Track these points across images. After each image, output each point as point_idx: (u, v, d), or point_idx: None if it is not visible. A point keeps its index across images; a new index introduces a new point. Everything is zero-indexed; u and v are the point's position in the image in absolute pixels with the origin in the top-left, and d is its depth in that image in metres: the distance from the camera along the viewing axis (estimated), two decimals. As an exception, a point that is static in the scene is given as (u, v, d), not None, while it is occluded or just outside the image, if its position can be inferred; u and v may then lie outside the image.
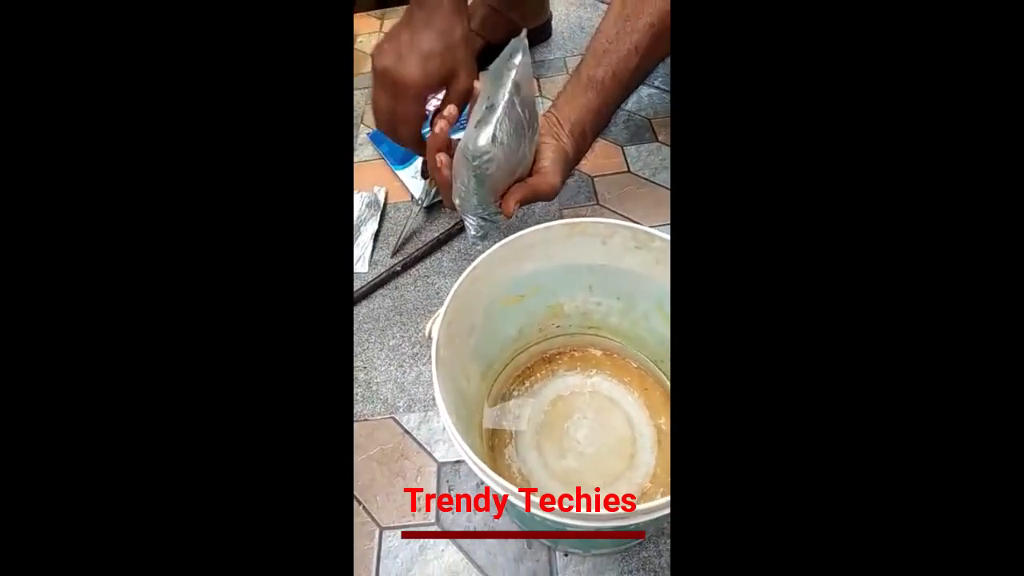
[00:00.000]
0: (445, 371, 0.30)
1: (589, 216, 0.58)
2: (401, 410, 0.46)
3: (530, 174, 0.46)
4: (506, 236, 0.35)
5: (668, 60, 0.73)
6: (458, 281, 0.33)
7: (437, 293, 0.53)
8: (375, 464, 0.44)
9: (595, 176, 0.61)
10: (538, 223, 0.36)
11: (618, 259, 0.36)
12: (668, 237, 0.33)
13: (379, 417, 0.46)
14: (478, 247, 0.48)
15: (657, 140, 0.64)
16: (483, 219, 0.45)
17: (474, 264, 0.33)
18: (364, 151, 0.69)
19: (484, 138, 0.38)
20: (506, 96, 0.38)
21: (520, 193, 0.44)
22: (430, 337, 0.31)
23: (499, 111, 0.38)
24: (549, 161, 0.45)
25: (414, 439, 0.45)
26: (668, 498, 0.25)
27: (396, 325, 0.51)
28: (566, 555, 0.38)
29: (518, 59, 0.39)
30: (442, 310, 0.31)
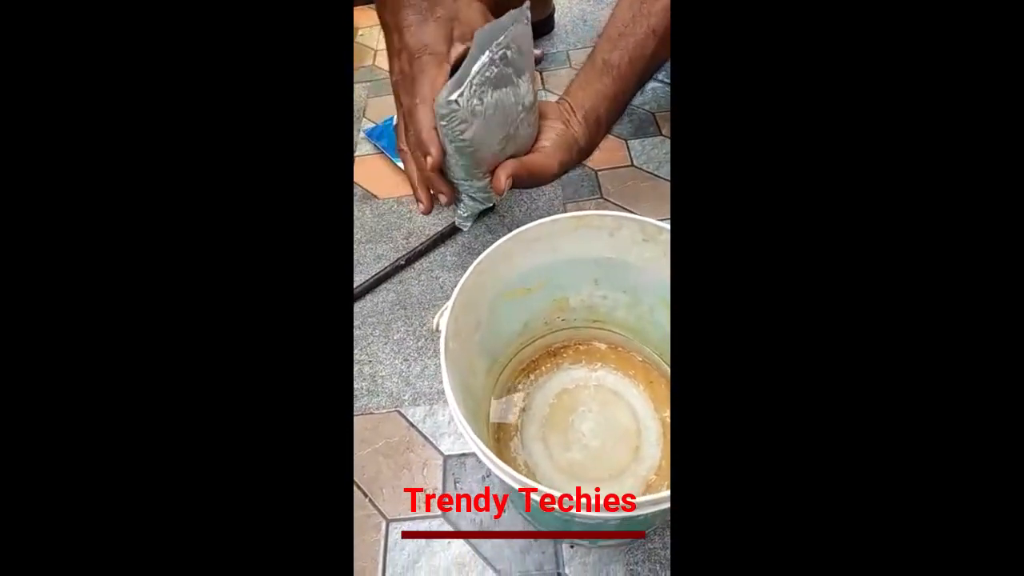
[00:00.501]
0: (453, 365, 0.30)
1: (592, 209, 0.58)
2: (407, 403, 0.46)
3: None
4: (510, 228, 0.35)
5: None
6: (465, 275, 0.33)
7: (441, 287, 0.53)
8: (381, 457, 0.44)
9: (599, 170, 0.61)
10: (541, 215, 0.36)
11: (625, 252, 0.36)
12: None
13: (384, 411, 0.46)
14: (466, 227, 0.45)
15: (661, 134, 0.64)
16: (471, 198, 0.43)
17: (480, 258, 0.33)
18: (362, 147, 0.69)
19: (451, 93, 0.35)
20: (485, 58, 0.35)
21: (511, 168, 0.41)
22: (438, 330, 0.31)
23: (474, 70, 0.35)
24: (550, 143, 0.43)
25: (420, 432, 0.45)
26: (665, 493, 0.25)
27: (400, 319, 0.51)
28: (572, 547, 0.38)
29: (513, 26, 0.37)
30: (449, 303, 0.31)
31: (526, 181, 0.43)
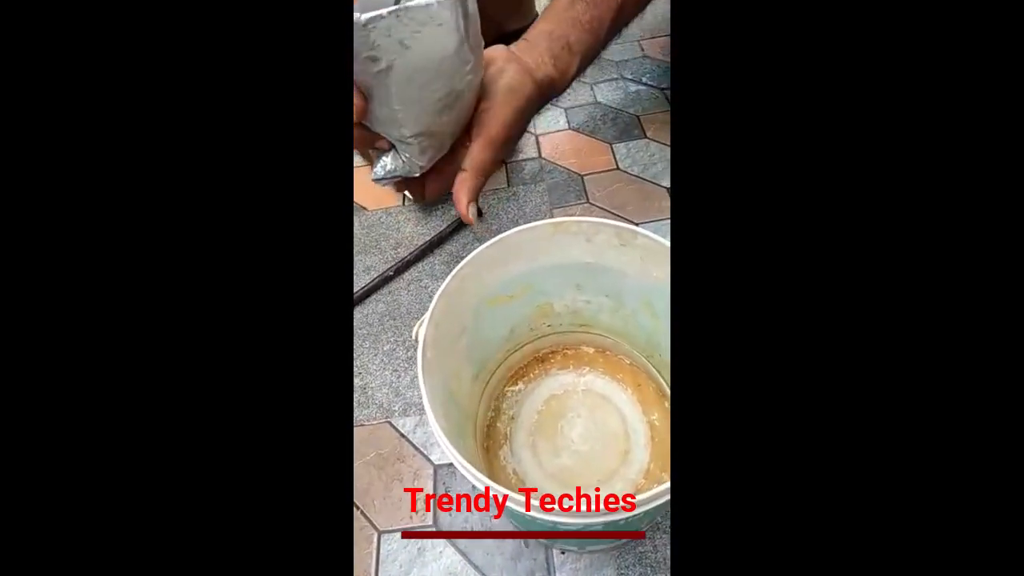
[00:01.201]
0: (433, 374, 0.31)
1: (579, 215, 0.58)
2: (397, 414, 0.47)
3: (470, 130, 0.34)
4: (496, 234, 0.36)
5: (660, 58, 0.74)
6: (444, 282, 0.33)
7: (430, 296, 0.53)
8: (372, 469, 0.44)
9: (584, 175, 0.61)
10: (527, 221, 0.36)
11: (603, 257, 0.36)
12: (651, 235, 0.33)
13: (375, 422, 0.46)
14: (380, 185, 0.38)
15: (646, 136, 0.64)
16: (396, 152, 0.35)
17: (461, 265, 0.34)
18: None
19: (361, 15, 0.27)
20: None
21: (469, 190, 0.34)
22: (417, 340, 0.31)
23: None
24: (492, 104, 0.34)
25: (410, 443, 0.45)
26: (664, 486, 0.25)
27: (390, 330, 0.52)
28: (563, 553, 0.38)
29: None
30: (428, 312, 0.32)
31: (488, 175, 0.36)
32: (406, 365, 0.49)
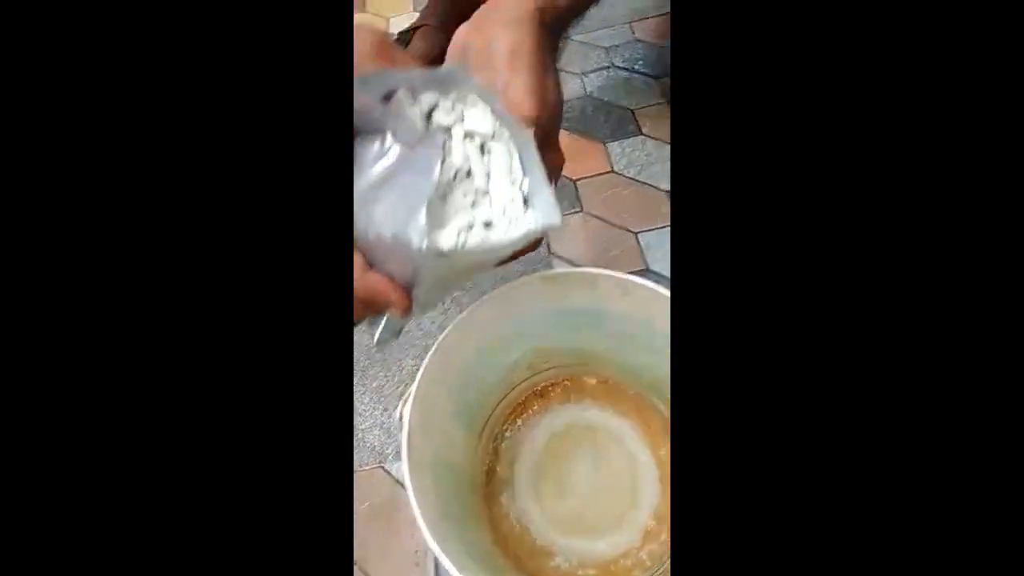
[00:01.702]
0: (422, 455, 0.28)
1: (573, 226, 0.54)
2: (390, 458, 0.44)
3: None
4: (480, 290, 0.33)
5: (653, 41, 0.69)
6: (427, 358, 0.30)
7: (418, 325, 0.51)
8: (368, 520, 0.42)
9: (576, 180, 0.58)
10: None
11: (606, 304, 0.34)
12: (653, 286, 0.30)
13: (368, 467, 0.44)
14: (383, 348, 0.34)
15: (641, 133, 0.60)
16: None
17: (444, 334, 0.31)
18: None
19: (429, 233, 0.22)
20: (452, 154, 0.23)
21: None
22: (401, 420, 0.28)
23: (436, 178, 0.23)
24: (505, 66, 0.25)
25: (406, 489, 0.43)
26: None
27: (377, 364, 0.49)
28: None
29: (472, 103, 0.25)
30: (412, 389, 0.29)
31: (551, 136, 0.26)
32: (396, 402, 0.47)
